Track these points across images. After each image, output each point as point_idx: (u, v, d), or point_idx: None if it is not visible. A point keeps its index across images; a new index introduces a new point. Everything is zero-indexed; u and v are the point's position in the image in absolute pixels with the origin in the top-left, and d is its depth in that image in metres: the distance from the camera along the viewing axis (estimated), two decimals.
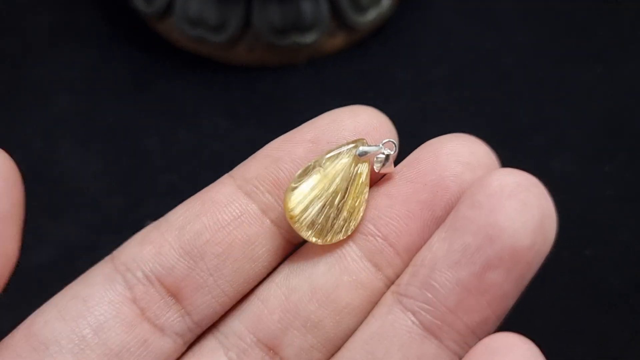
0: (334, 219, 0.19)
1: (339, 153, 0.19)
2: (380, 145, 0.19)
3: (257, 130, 0.35)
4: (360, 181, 0.19)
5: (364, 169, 0.19)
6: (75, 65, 0.37)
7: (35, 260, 0.31)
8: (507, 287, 0.17)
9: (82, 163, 0.34)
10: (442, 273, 0.17)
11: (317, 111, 0.21)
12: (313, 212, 0.19)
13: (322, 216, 0.19)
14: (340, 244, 0.19)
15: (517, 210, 0.17)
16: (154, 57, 0.37)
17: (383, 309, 0.18)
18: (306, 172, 0.19)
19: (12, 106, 0.35)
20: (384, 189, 0.19)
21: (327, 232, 0.19)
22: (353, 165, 0.19)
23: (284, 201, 0.19)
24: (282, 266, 0.20)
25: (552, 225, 0.18)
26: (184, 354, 0.20)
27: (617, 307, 0.30)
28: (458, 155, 0.18)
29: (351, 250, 0.19)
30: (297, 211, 0.19)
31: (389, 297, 0.18)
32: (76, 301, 0.19)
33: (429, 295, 0.17)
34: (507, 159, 0.34)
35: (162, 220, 0.20)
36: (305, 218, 0.19)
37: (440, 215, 0.18)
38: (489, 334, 0.17)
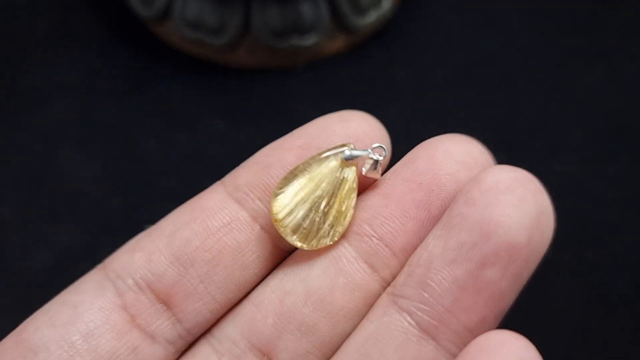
0: (320, 223, 0.19)
1: (326, 157, 0.19)
2: (369, 150, 0.19)
3: (256, 133, 0.34)
4: (347, 186, 0.19)
5: (351, 173, 0.19)
6: (74, 69, 0.37)
7: (34, 263, 0.31)
8: (504, 285, 0.17)
9: (81, 166, 0.34)
10: (438, 272, 0.17)
11: (317, 114, 0.21)
12: (298, 217, 0.19)
13: (308, 220, 0.19)
14: (327, 249, 0.19)
15: (513, 206, 0.17)
16: (152, 61, 0.37)
17: (378, 310, 0.18)
18: (292, 176, 0.19)
19: (11, 110, 0.35)
20: (379, 189, 0.19)
21: (313, 237, 0.19)
22: (340, 169, 0.19)
23: (269, 205, 0.19)
24: (276, 270, 0.20)
25: (549, 222, 0.17)
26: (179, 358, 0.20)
27: (619, 309, 0.30)
28: (454, 154, 0.18)
29: (346, 252, 0.19)
30: (281, 215, 0.19)
31: (384, 298, 0.18)
32: (66, 308, 0.19)
33: (425, 294, 0.17)
34: (509, 161, 0.33)
35: (153, 227, 0.20)
36: (290, 222, 0.19)
37: (436, 215, 0.18)
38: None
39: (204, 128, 0.35)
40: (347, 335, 0.19)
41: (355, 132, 0.19)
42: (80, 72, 0.37)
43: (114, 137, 0.35)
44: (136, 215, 0.32)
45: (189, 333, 0.19)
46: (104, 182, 0.33)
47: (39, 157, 0.34)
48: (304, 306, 0.19)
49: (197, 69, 0.37)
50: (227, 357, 0.19)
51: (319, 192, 0.19)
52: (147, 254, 0.19)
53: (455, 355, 0.17)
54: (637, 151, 0.34)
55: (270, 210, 0.19)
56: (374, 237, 0.19)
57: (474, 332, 0.17)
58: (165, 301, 0.19)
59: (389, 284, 0.19)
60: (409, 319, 0.17)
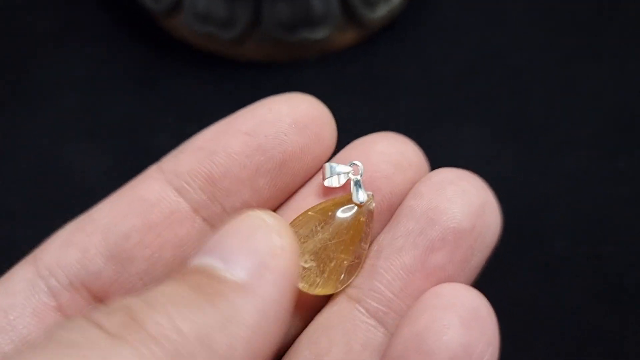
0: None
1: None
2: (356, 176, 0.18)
3: None
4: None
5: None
6: (83, 63, 0.37)
7: None
8: (451, 270, 0.17)
9: (91, 161, 0.34)
10: (386, 259, 0.17)
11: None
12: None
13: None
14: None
15: (457, 195, 0.17)
16: (162, 54, 0.37)
17: (329, 303, 0.18)
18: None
19: (20, 105, 0.35)
20: (314, 188, 0.19)
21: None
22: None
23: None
24: None
25: (495, 214, 0.18)
26: None
27: (631, 304, 0.30)
28: (388, 155, 0.18)
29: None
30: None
31: (336, 295, 0.18)
32: None
33: (375, 282, 0.17)
34: (518, 157, 0.33)
35: (86, 218, 0.19)
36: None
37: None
38: None
39: (213, 121, 0.35)
40: (287, 333, 0.18)
41: (304, 117, 0.18)
42: (90, 66, 0.37)
43: (123, 131, 0.35)
44: None
45: None
46: (114, 177, 0.33)
47: (48, 151, 0.34)
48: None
49: (206, 62, 0.36)
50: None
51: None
52: (81, 250, 0.18)
53: None
54: None
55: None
56: None
57: None
58: (102, 300, 0.18)
59: None
60: (358, 306, 0.17)
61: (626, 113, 0.35)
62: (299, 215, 0.18)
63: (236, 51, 0.36)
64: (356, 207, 0.18)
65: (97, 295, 0.18)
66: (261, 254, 0.15)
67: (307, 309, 0.18)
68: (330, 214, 0.18)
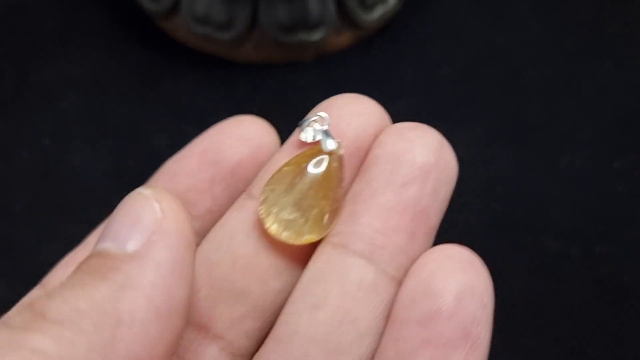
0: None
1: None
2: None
3: None
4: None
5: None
6: (82, 65, 0.37)
7: (44, 258, 0.31)
8: (425, 201, 0.18)
9: (91, 162, 0.34)
10: (363, 202, 0.18)
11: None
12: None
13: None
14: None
15: (417, 137, 0.18)
16: (160, 56, 0.37)
17: (314, 256, 0.19)
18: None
19: (21, 105, 0.36)
20: (285, 152, 0.20)
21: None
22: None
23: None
24: (201, 247, 0.20)
25: (451, 152, 0.19)
26: None
27: (627, 304, 0.30)
28: (348, 111, 0.20)
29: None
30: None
31: (320, 247, 0.19)
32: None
33: (355, 225, 0.18)
34: (517, 156, 0.34)
35: (81, 246, 0.21)
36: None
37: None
38: (420, 253, 0.18)
39: (212, 122, 0.35)
40: (280, 292, 0.19)
41: (247, 132, 0.20)
42: (90, 68, 0.37)
43: (123, 132, 0.35)
44: None
45: None
46: (114, 177, 0.34)
47: (49, 152, 0.34)
48: (232, 273, 0.19)
49: (205, 64, 0.37)
50: None
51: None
52: None
53: (394, 278, 0.18)
54: None
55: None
56: None
57: (407, 251, 0.18)
58: None
59: None
60: (344, 250, 0.18)
61: (624, 113, 0.35)
62: (275, 173, 0.19)
63: (234, 53, 0.36)
64: (327, 156, 0.19)
65: None
66: (144, 224, 0.16)
67: (295, 262, 0.19)
68: (304, 165, 0.19)
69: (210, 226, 0.21)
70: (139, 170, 0.34)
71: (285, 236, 0.18)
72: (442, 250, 0.17)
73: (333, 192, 0.19)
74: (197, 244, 0.21)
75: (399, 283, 0.18)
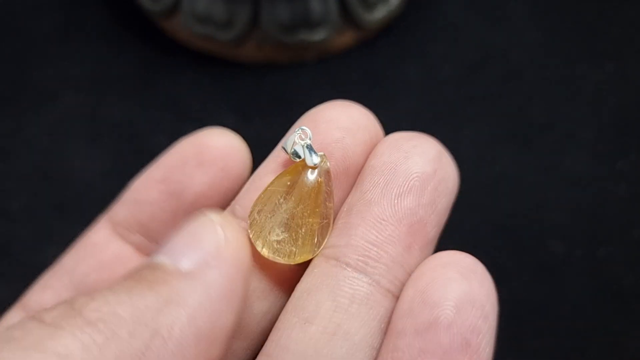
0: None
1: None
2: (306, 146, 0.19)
3: (264, 128, 0.34)
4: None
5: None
6: (83, 64, 0.37)
7: (43, 258, 0.31)
8: (422, 212, 0.18)
9: (90, 161, 0.34)
10: (358, 214, 0.18)
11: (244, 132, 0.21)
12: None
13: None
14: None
15: (414, 147, 0.18)
16: (161, 56, 0.37)
17: (307, 270, 0.18)
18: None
19: (20, 105, 0.36)
20: (269, 167, 0.19)
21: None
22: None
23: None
24: None
25: (450, 163, 0.18)
26: None
27: (629, 306, 0.30)
28: (337, 121, 0.19)
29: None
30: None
31: (313, 260, 0.18)
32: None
33: (350, 237, 0.18)
34: (520, 157, 0.33)
35: (57, 265, 0.22)
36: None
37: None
38: (416, 266, 0.17)
39: (212, 123, 0.35)
40: (264, 314, 0.19)
41: (210, 155, 0.20)
42: (89, 67, 0.37)
43: (122, 132, 0.35)
44: None
45: None
46: (113, 177, 0.33)
47: (47, 151, 0.34)
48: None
49: (205, 64, 0.37)
50: None
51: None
52: (55, 291, 0.21)
53: (389, 290, 0.17)
54: None
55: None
56: None
57: (403, 264, 0.17)
58: None
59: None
60: (337, 262, 0.17)
61: (625, 115, 0.35)
62: (261, 193, 0.19)
63: (235, 52, 0.36)
64: (312, 170, 0.18)
65: None
66: (206, 247, 0.16)
67: (280, 284, 0.19)
68: (289, 183, 0.18)
69: None
70: (137, 169, 0.34)
71: (277, 258, 0.18)
72: (442, 258, 0.17)
73: (321, 208, 0.18)
74: None
75: (395, 296, 0.17)
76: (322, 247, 0.18)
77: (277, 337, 0.17)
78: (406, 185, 0.18)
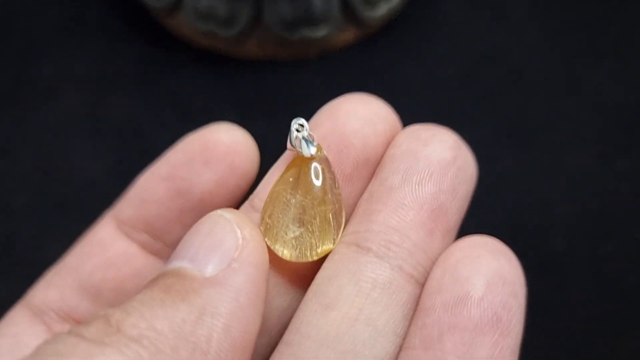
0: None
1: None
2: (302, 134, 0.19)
3: (267, 125, 0.34)
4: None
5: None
6: (84, 61, 0.37)
7: (45, 256, 0.31)
8: (443, 198, 0.18)
9: (92, 159, 0.34)
10: (378, 200, 0.18)
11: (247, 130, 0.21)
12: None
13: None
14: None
15: (433, 136, 0.18)
16: (163, 53, 0.37)
17: (329, 257, 0.18)
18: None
19: (21, 102, 0.35)
20: (287, 156, 0.19)
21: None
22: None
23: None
24: None
25: (468, 151, 0.19)
26: None
27: (631, 304, 0.30)
28: (355, 112, 0.19)
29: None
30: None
31: (335, 247, 0.18)
32: (6, 339, 0.20)
33: (370, 223, 0.17)
34: (519, 157, 0.33)
35: (60, 264, 0.21)
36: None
37: (349, 173, 0.19)
38: (439, 251, 0.17)
39: (214, 119, 0.35)
40: (284, 309, 0.18)
41: (217, 151, 0.20)
42: (91, 64, 0.37)
43: (124, 129, 0.35)
44: None
45: None
46: (115, 175, 0.33)
47: (50, 149, 0.34)
48: None
49: (207, 60, 0.36)
50: None
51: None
52: (60, 290, 0.21)
53: (412, 276, 0.17)
54: None
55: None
56: None
57: (425, 249, 0.17)
58: None
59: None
60: (358, 249, 0.17)
61: (627, 113, 0.35)
62: (267, 197, 0.18)
63: (237, 49, 0.36)
64: (311, 161, 0.18)
65: (80, 322, 0.20)
66: (225, 248, 0.16)
67: (301, 280, 0.19)
68: (291, 179, 0.18)
69: None
70: (139, 167, 0.34)
71: (299, 255, 0.18)
72: (471, 240, 0.17)
73: (329, 195, 0.18)
74: None
75: (418, 282, 0.17)
76: (340, 234, 0.18)
77: (297, 324, 0.17)
78: (427, 172, 0.18)
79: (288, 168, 0.19)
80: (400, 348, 0.16)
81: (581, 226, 0.32)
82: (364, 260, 0.17)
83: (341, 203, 0.18)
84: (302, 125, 0.19)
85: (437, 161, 0.18)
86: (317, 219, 0.18)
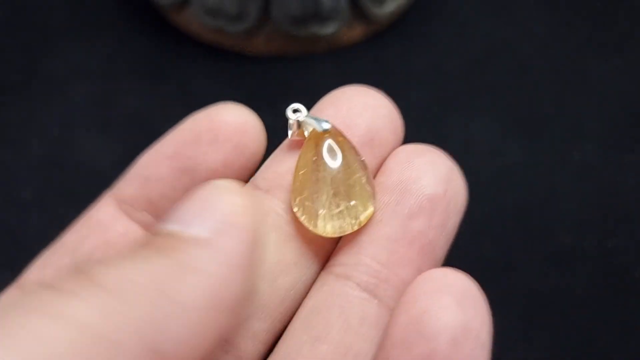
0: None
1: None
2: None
3: (275, 121, 0.34)
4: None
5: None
6: (93, 56, 0.37)
7: None
8: (432, 234, 0.17)
9: (101, 152, 0.34)
10: (368, 233, 0.18)
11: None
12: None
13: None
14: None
15: (425, 165, 0.18)
16: (171, 48, 0.37)
17: (316, 286, 0.18)
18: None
19: (31, 95, 0.36)
20: (291, 144, 0.20)
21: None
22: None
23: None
24: None
25: (460, 180, 0.18)
26: None
27: (638, 297, 0.30)
28: (357, 98, 0.19)
29: (274, 206, 0.19)
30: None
31: (321, 276, 0.18)
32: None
33: (360, 256, 0.17)
34: (526, 149, 0.33)
35: (57, 243, 0.20)
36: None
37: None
38: None
39: None
40: (287, 290, 0.18)
41: (223, 131, 0.19)
42: (100, 59, 0.37)
43: (133, 123, 0.35)
44: None
45: None
46: (123, 167, 0.33)
47: (58, 142, 0.34)
48: None
49: (215, 56, 0.37)
50: None
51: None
52: (56, 270, 0.20)
53: None
54: None
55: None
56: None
57: None
58: None
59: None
60: (348, 282, 0.17)
61: (635, 106, 0.35)
62: (294, 183, 0.18)
63: (245, 45, 0.36)
64: (327, 136, 0.18)
65: None
66: (221, 213, 0.15)
67: (303, 258, 0.19)
68: (314, 159, 0.18)
69: None
70: None
71: (344, 227, 0.18)
72: (436, 281, 0.16)
73: (357, 162, 0.18)
74: None
75: None
76: (374, 193, 0.18)
77: (285, 353, 0.17)
78: (417, 207, 0.17)
79: (304, 151, 0.19)
80: None
81: (588, 219, 0.32)
82: (352, 296, 0.17)
83: (367, 168, 0.18)
84: (298, 110, 0.19)
85: (428, 196, 0.17)
86: (356, 187, 0.18)
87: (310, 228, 0.18)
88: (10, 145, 0.34)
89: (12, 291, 0.20)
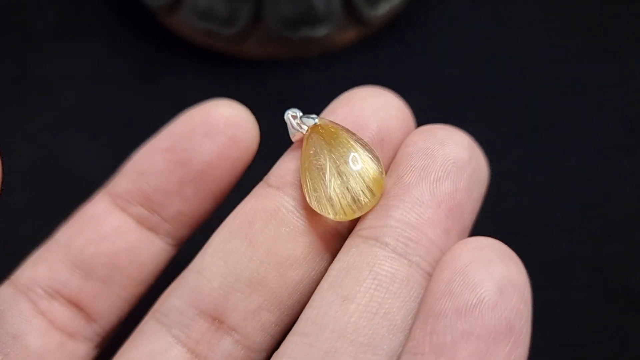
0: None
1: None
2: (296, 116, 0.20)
3: (267, 124, 0.34)
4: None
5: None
6: (84, 59, 0.37)
7: None
8: (459, 197, 0.18)
9: (92, 158, 0.34)
10: (396, 196, 0.18)
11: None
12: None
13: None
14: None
15: (448, 135, 0.18)
16: (163, 51, 0.37)
17: (344, 249, 0.18)
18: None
19: (21, 100, 0.35)
20: (297, 144, 0.20)
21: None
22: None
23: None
24: (213, 237, 0.20)
25: (481, 153, 0.19)
26: (125, 341, 0.20)
27: (635, 305, 0.30)
28: (370, 99, 0.19)
29: (285, 202, 0.19)
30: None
31: (349, 239, 0.18)
32: None
33: (388, 218, 0.17)
34: (525, 154, 0.33)
35: (50, 240, 0.21)
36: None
37: None
38: None
39: None
40: (297, 284, 0.18)
41: (217, 124, 0.20)
42: (90, 62, 0.37)
43: (124, 128, 0.35)
44: None
45: (104, 330, 0.20)
46: (114, 173, 0.33)
47: (49, 147, 0.34)
48: (250, 261, 0.18)
49: (207, 60, 0.36)
50: (177, 328, 0.19)
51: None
52: (49, 265, 0.20)
53: (428, 272, 0.17)
54: None
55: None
56: None
57: (442, 247, 0.17)
58: (76, 304, 0.20)
59: (333, 227, 0.19)
60: (377, 243, 0.17)
61: (631, 112, 0.35)
62: (302, 178, 0.19)
63: (237, 48, 0.36)
64: (318, 128, 0.19)
65: (70, 300, 0.20)
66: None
67: (315, 253, 0.19)
68: (312, 151, 0.19)
69: (183, 229, 0.20)
70: None
71: (361, 200, 0.18)
72: (478, 242, 0.16)
73: (350, 141, 0.18)
74: (175, 247, 0.21)
75: None
76: (380, 164, 0.18)
77: (313, 315, 0.17)
78: (444, 170, 0.18)
79: (305, 148, 0.19)
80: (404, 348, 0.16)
81: (584, 225, 0.31)
82: (382, 255, 0.17)
83: (363, 140, 0.19)
84: (295, 115, 0.20)
85: (454, 160, 0.18)
86: (358, 158, 0.18)
87: (331, 217, 0.18)
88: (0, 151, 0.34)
89: (5, 288, 0.21)
